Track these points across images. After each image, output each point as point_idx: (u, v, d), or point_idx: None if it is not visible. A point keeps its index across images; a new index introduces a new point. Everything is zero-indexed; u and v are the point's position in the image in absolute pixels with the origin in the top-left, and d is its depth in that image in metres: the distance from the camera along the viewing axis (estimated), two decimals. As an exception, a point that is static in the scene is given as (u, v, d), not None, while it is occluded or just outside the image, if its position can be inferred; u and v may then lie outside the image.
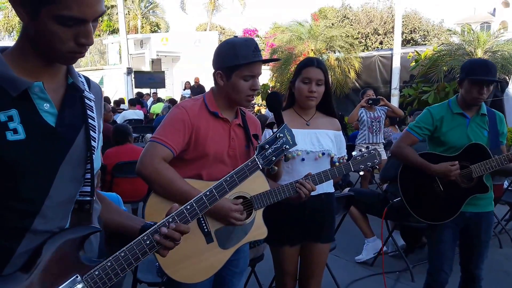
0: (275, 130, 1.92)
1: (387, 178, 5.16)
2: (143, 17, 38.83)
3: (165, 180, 2.24)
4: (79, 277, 1.40)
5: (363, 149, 2.75)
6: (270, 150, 1.82)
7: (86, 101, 1.50)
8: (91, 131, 1.48)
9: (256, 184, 2.47)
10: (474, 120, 3.27)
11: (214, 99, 2.49)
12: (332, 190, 3.04)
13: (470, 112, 3.27)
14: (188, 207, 1.64)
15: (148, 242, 1.52)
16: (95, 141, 1.49)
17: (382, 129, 7.00)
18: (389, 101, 13.12)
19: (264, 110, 16.00)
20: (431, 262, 3.42)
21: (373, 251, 5.20)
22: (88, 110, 1.49)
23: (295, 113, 2.99)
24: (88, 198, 1.48)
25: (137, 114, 12.67)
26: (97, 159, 1.53)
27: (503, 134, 3.32)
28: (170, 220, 1.59)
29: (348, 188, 5.34)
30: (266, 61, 2.58)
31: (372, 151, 2.73)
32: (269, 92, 16.34)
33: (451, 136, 3.26)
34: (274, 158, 1.83)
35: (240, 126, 2.54)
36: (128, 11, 35.23)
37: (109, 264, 1.44)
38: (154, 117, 13.86)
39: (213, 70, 2.51)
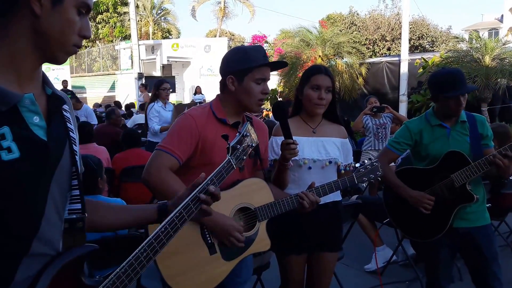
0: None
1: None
2: (155, 24, 38.97)
3: (170, 191, 2.18)
4: None
5: (366, 161, 2.68)
6: (240, 150, 1.83)
7: (64, 112, 1.41)
8: (73, 145, 1.40)
9: (260, 196, 2.44)
10: (455, 129, 3.13)
11: (221, 106, 2.48)
12: (339, 198, 2.97)
13: (449, 122, 3.14)
14: (177, 214, 1.59)
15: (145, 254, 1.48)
16: (77, 155, 1.42)
17: (388, 135, 6.89)
18: (398, 107, 13.07)
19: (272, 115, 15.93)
20: (429, 280, 3.29)
21: (383, 260, 5.06)
22: (67, 123, 1.40)
23: (302, 121, 2.93)
24: (79, 216, 1.40)
25: (147, 118, 12.60)
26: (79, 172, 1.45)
27: (487, 136, 3.17)
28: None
29: (356, 196, 5.21)
30: (276, 64, 2.61)
31: (375, 163, 2.67)
32: (277, 97, 16.36)
33: (433, 148, 3.13)
34: (244, 157, 1.85)
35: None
36: (140, 18, 35.35)
37: (111, 283, 1.39)
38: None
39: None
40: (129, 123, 12.10)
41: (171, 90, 6.60)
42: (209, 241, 2.27)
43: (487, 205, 4.58)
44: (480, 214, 3.14)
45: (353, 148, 7.27)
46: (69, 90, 16.75)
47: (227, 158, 1.79)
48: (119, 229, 1.78)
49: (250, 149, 1.87)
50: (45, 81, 1.39)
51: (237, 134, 1.86)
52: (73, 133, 1.43)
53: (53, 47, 1.31)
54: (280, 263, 2.95)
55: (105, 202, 1.79)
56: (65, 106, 1.43)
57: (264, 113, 16.50)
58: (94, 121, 10.56)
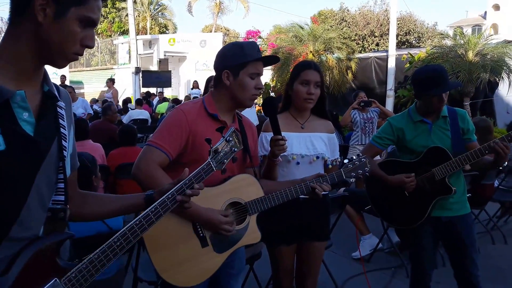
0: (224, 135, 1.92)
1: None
2: (152, 19, 38.74)
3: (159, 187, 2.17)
4: (57, 280, 1.41)
5: (354, 157, 2.67)
6: (222, 154, 1.85)
7: (58, 109, 1.46)
8: (62, 141, 1.45)
9: (250, 191, 2.43)
10: (436, 124, 3.17)
11: (213, 101, 2.44)
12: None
13: (431, 117, 3.18)
14: (153, 209, 1.64)
15: (118, 243, 1.54)
16: (65, 151, 1.47)
17: (375, 130, 6.92)
18: (385, 101, 13.10)
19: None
20: (413, 267, 3.34)
21: (369, 247, 5.15)
22: (60, 119, 1.46)
23: (291, 116, 2.94)
24: (62, 207, 1.46)
25: (143, 114, 12.55)
26: (68, 167, 1.51)
27: (469, 130, 3.21)
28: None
29: (343, 188, 5.27)
30: (269, 59, 2.58)
31: (363, 159, 2.65)
32: (270, 92, 16.30)
33: (416, 143, 3.18)
34: (225, 160, 1.86)
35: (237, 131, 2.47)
36: (138, 13, 35.11)
37: (84, 266, 1.46)
38: (159, 116, 13.77)
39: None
40: (125, 118, 12.03)
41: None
42: (201, 234, 2.26)
43: (468, 195, 4.70)
44: (462, 204, 3.21)
45: (341, 143, 7.34)
46: (66, 86, 16.64)
47: (207, 160, 1.80)
48: (108, 217, 1.81)
49: (233, 154, 1.88)
50: (45, 78, 1.45)
51: (221, 138, 1.87)
52: (65, 129, 1.47)
53: (53, 53, 1.36)
54: (270, 253, 2.97)
55: (93, 193, 1.82)
56: (61, 103, 1.48)
57: (256, 109, 16.53)
58: (91, 111, 10.55)
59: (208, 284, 2.37)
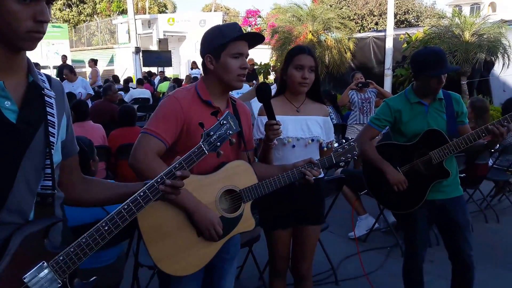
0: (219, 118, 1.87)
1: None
2: (151, -2, 38.39)
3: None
4: (45, 263, 1.44)
5: (344, 141, 2.66)
6: (214, 137, 1.80)
7: (46, 98, 1.48)
8: (50, 127, 1.47)
9: (244, 178, 2.40)
10: (432, 106, 3.16)
11: (206, 87, 2.40)
12: (321, 175, 2.95)
13: (427, 99, 3.16)
14: (142, 193, 1.63)
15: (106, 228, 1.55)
16: (54, 137, 1.48)
17: (372, 109, 6.92)
18: (383, 80, 13.06)
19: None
20: (407, 248, 3.36)
21: (366, 227, 5.19)
22: (47, 107, 1.48)
23: (286, 100, 2.92)
24: (50, 192, 1.48)
25: (144, 93, 12.53)
26: (57, 153, 1.52)
27: (463, 114, 3.21)
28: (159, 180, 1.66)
29: (341, 169, 5.28)
30: (250, 36, 2.44)
31: (352, 143, 2.64)
32: (270, 71, 16.19)
33: (412, 125, 3.16)
34: (219, 143, 1.82)
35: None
36: (137, -7, 34.78)
37: (72, 250, 1.49)
38: (161, 95, 13.75)
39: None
40: (127, 97, 12.05)
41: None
42: None
43: (462, 175, 4.73)
44: (455, 186, 3.22)
45: (339, 122, 7.34)
46: (67, 65, 16.54)
47: (199, 144, 1.77)
48: (107, 204, 1.81)
49: (229, 137, 1.84)
50: (30, 69, 1.47)
51: (216, 122, 1.84)
52: (53, 117, 1.49)
53: (7, 37, 1.34)
54: (267, 237, 2.98)
55: (97, 178, 1.84)
56: (49, 92, 1.50)
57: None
58: (91, 91, 10.49)
59: (204, 270, 2.36)
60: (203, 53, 2.40)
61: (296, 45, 3.44)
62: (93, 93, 10.62)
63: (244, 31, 2.38)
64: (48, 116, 1.47)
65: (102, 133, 5.48)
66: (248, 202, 2.41)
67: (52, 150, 1.48)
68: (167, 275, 2.20)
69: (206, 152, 1.78)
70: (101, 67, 28.66)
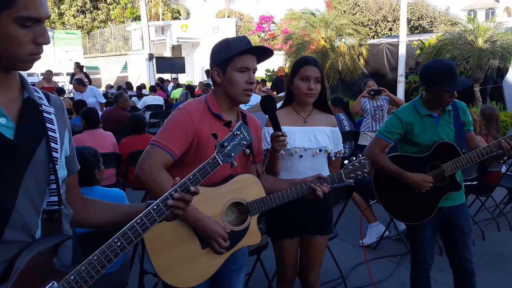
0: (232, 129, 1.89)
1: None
2: (164, 4, 38.64)
3: (161, 191, 2.13)
4: (55, 283, 1.39)
5: (354, 158, 2.66)
6: (229, 147, 1.81)
7: (45, 114, 1.46)
8: (52, 143, 1.45)
9: (252, 191, 2.40)
10: (442, 118, 3.17)
11: (216, 100, 2.40)
12: (329, 185, 2.97)
13: (437, 111, 3.17)
14: (155, 207, 1.61)
15: (118, 244, 1.51)
16: (57, 152, 1.46)
17: (385, 116, 6.90)
18: (396, 87, 13.00)
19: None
20: (414, 255, 3.36)
21: (376, 235, 5.17)
22: (47, 123, 1.45)
23: (293, 111, 2.93)
24: (56, 207, 1.44)
25: (157, 99, 12.62)
26: (62, 169, 1.50)
27: (469, 122, 3.24)
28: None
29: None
30: (258, 50, 2.41)
31: (362, 160, 2.64)
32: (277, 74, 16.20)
33: (423, 137, 3.16)
34: (233, 154, 1.82)
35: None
36: (150, -1, 35.12)
37: (83, 268, 1.44)
38: (174, 102, 13.82)
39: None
40: (140, 104, 12.14)
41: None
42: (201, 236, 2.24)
43: (474, 183, 4.69)
44: (460, 194, 3.23)
45: (351, 128, 7.33)
46: (78, 78, 16.55)
47: (213, 155, 1.77)
48: (112, 226, 1.74)
49: (243, 147, 1.83)
50: (24, 85, 1.45)
51: (229, 132, 1.83)
52: (55, 132, 1.47)
53: (5, 60, 1.34)
54: (274, 246, 2.99)
55: (97, 199, 1.78)
56: (48, 108, 1.48)
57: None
58: (103, 99, 10.57)
59: (209, 281, 2.37)
60: (211, 65, 2.41)
61: (303, 56, 3.46)
62: (104, 101, 10.71)
63: (253, 45, 2.37)
64: (49, 131, 1.45)
65: (113, 140, 5.54)
66: (254, 216, 2.41)
67: (57, 166, 1.45)
68: (171, 286, 2.20)
69: (220, 163, 1.78)
70: (115, 73, 28.96)
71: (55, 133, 1.47)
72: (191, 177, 1.70)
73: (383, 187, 3.37)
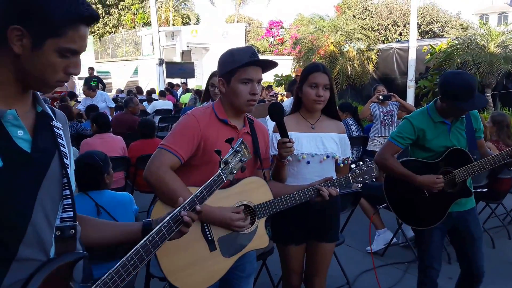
0: (233, 146, 1.94)
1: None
2: (175, 10, 38.90)
3: (169, 190, 2.20)
4: None
5: (361, 163, 2.66)
6: (232, 164, 1.86)
7: (55, 129, 1.45)
8: (64, 158, 1.43)
9: (259, 194, 2.43)
10: (455, 125, 3.18)
11: (222, 107, 2.45)
12: (337, 191, 2.97)
13: (449, 118, 3.17)
14: (166, 224, 1.62)
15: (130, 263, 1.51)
16: (68, 168, 1.44)
17: (394, 122, 6.87)
18: (405, 92, 12.97)
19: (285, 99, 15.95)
20: (421, 261, 3.34)
21: (384, 242, 5.13)
22: (58, 138, 1.44)
23: (301, 117, 2.94)
24: (72, 224, 1.41)
25: (166, 104, 12.72)
26: (72, 184, 1.47)
27: (480, 130, 3.26)
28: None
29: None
30: (262, 62, 2.43)
31: (370, 165, 2.65)
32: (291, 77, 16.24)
33: (436, 143, 3.17)
34: (235, 171, 1.89)
35: (248, 134, 2.50)
36: (161, 4, 35.30)
37: None
38: (183, 106, 13.89)
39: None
40: (149, 108, 12.24)
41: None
42: (209, 238, 2.27)
43: (484, 190, 4.65)
44: (469, 199, 3.23)
45: (361, 134, 7.31)
46: (95, 76, 16.78)
47: (217, 172, 1.80)
48: (105, 245, 1.71)
49: (241, 164, 1.88)
50: (36, 99, 1.43)
51: (230, 149, 1.87)
52: (65, 147, 1.45)
53: (34, 82, 1.34)
54: (280, 252, 2.99)
55: (93, 218, 1.72)
56: (56, 123, 1.46)
57: (279, 98, 16.56)
58: (112, 104, 10.65)
59: (217, 286, 2.38)
60: (217, 75, 2.46)
61: (312, 63, 3.48)
62: (114, 105, 10.79)
63: (262, 50, 2.42)
64: (60, 146, 1.43)
65: (122, 144, 5.65)
66: (262, 219, 2.43)
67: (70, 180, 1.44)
68: None
69: (225, 180, 1.83)
70: (125, 78, 29.15)
71: (65, 148, 1.46)
72: (198, 194, 1.74)
73: (394, 191, 3.39)
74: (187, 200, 1.68)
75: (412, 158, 3.31)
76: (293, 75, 16.70)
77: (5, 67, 1.30)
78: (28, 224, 1.30)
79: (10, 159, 1.28)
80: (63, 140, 1.46)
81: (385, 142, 3.38)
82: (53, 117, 1.47)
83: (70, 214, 1.42)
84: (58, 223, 1.40)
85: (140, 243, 1.54)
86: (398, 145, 3.26)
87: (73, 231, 1.41)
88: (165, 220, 1.61)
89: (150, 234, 1.57)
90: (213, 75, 4.39)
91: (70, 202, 1.42)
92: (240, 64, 2.33)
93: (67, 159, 1.45)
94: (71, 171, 1.48)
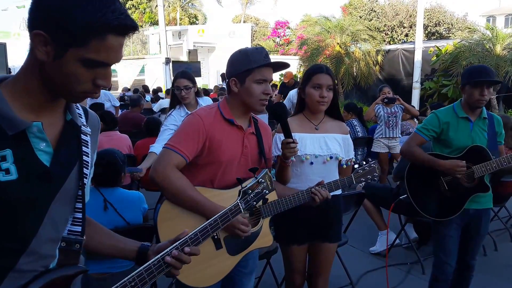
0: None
1: (401, 176, 5.08)
2: (182, 9, 38.95)
3: (175, 189, 2.23)
4: None
5: (364, 163, 2.69)
6: (252, 195, 1.79)
7: (82, 136, 1.40)
8: (84, 168, 1.39)
9: None
10: (477, 124, 3.30)
11: (228, 107, 2.47)
12: (339, 192, 2.99)
13: (473, 116, 3.30)
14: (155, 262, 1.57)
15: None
16: (86, 178, 1.40)
17: (399, 124, 6.89)
18: (411, 93, 12.94)
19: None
20: (437, 255, 3.43)
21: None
22: (83, 146, 1.39)
23: (305, 118, 2.96)
24: (78, 238, 1.38)
25: (172, 103, 12.73)
26: (87, 195, 1.44)
27: (501, 134, 3.38)
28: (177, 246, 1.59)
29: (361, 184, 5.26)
30: (276, 64, 2.51)
31: (372, 165, 2.68)
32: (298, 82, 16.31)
33: (457, 139, 3.29)
34: (254, 203, 1.81)
35: (253, 134, 2.52)
36: (168, 4, 35.36)
37: None
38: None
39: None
40: (156, 107, 12.24)
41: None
42: (215, 237, 2.28)
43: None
44: (488, 198, 3.37)
45: (365, 135, 7.32)
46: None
47: (235, 201, 1.75)
48: (95, 250, 1.65)
49: (264, 196, 1.80)
50: (69, 107, 1.38)
51: (253, 179, 1.83)
52: (88, 156, 1.41)
53: (59, 91, 1.28)
54: (283, 252, 3.02)
55: (95, 223, 1.66)
56: (86, 129, 1.41)
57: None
58: (117, 102, 10.68)
59: (221, 283, 2.41)
60: (228, 75, 2.47)
61: (315, 64, 3.51)
62: (119, 104, 10.81)
63: (267, 50, 2.44)
64: (83, 156, 1.38)
65: (129, 143, 5.67)
66: (266, 218, 2.46)
67: (85, 192, 1.41)
68: (185, 285, 2.25)
69: (242, 211, 1.78)
70: (132, 76, 29.21)
71: (88, 156, 1.42)
72: (212, 222, 1.73)
73: (415, 180, 3.50)
74: (199, 227, 1.63)
75: (435, 152, 3.43)
76: (299, 76, 16.72)
77: (34, 75, 1.26)
78: (33, 237, 1.28)
79: (26, 172, 1.24)
80: (88, 147, 1.42)
81: (411, 134, 3.56)
82: (81, 123, 1.42)
83: (79, 228, 1.39)
84: (65, 234, 1.37)
85: (144, 265, 1.53)
86: (423, 136, 3.40)
87: (79, 245, 1.38)
88: (169, 248, 1.58)
89: (155, 257, 1.54)
90: (176, 77, 4.32)
91: (81, 216, 1.39)
92: (257, 65, 2.36)
93: (87, 168, 1.41)
94: (88, 180, 1.45)
